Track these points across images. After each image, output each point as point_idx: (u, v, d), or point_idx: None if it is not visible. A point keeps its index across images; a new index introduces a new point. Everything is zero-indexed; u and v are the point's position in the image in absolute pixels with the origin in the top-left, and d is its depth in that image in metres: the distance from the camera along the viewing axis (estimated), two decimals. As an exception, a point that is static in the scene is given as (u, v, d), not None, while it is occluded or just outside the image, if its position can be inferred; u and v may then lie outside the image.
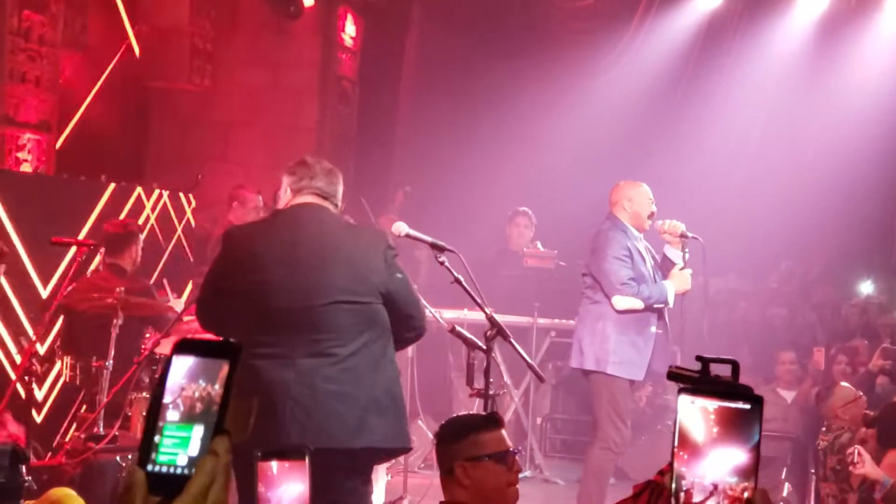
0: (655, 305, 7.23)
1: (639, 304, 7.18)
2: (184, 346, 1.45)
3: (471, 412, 4.12)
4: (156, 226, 9.79)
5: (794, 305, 12.75)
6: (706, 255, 7.37)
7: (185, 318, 6.94)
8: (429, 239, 5.23)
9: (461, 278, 5.19)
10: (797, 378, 10.10)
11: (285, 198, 4.82)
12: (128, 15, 11.01)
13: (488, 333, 5.19)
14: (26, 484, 5.47)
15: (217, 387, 1.42)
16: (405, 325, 4.77)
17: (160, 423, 1.42)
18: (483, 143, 13.06)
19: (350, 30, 12.68)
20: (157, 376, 1.48)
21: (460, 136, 13.20)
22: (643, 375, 7.30)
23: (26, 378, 6.34)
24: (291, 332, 4.54)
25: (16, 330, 7.91)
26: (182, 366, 1.43)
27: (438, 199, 12.50)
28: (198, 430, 1.41)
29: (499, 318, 5.29)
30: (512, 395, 9.54)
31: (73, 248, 6.75)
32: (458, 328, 5.40)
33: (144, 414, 1.32)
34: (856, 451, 6.27)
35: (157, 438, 1.41)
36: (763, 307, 12.83)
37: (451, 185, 12.78)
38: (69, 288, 6.84)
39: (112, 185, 9.10)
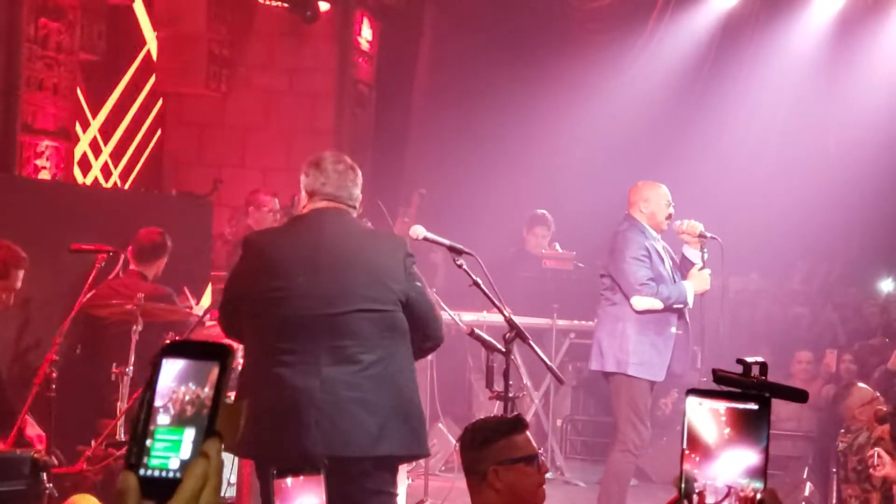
0: (675, 306, 7.21)
1: (658, 305, 7.16)
2: (173, 349, 1.44)
3: (492, 415, 4.10)
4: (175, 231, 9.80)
5: (815, 305, 12.71)
6: (725, 254, 7.34)
7: (207, 323, 6.96)
8: (447, 242, 5.22)
9: (479, 281, 5.18)
10: (812, 377, 10.08)
11: (303, 200, 4.81)
12: (145, 21, 11.05)
13: (507, 336, 5.18)
14: (47, 491, 5.49)
15: (207, 389, 1.41)
16: (423, 333, 4.74)
17: (151, 427, 1.42)
18: (500, 145, 13.05)
19: (366, 34, 12.69)
20: (148, 379, 1.46)
21: (477, 138, 13.18)
22: (663, 376, 7.26)
23: (47, 384, 6.36)
24: (313, 340, 4.52)
25: (37, 336, 7.93)
26: (172, 369, 1.42)
27: (455, 202, 12.48)
28: (189, 433, 1.41)
29: (518, 320, 5.28)
30: (532, 397, 9.53)
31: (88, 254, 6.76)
32: (477, 331, 5.40)
33: (134, 417, 1.31)
34: (875, 454, 6.23)
35: (148, 442, 1.41)
36: (784, 307, 12.79)
37: (467, 187, 12.76)
38: (89, 294, 6.85)
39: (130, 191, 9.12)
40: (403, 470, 7.24)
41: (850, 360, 9.78)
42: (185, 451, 1.40)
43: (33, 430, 6.27)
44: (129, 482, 1.40)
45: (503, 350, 5.19)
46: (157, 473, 1.40)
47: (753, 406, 1.47)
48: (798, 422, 9.42)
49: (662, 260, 7.31)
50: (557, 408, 9.93)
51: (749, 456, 1.45)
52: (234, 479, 6.93)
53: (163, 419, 1.41)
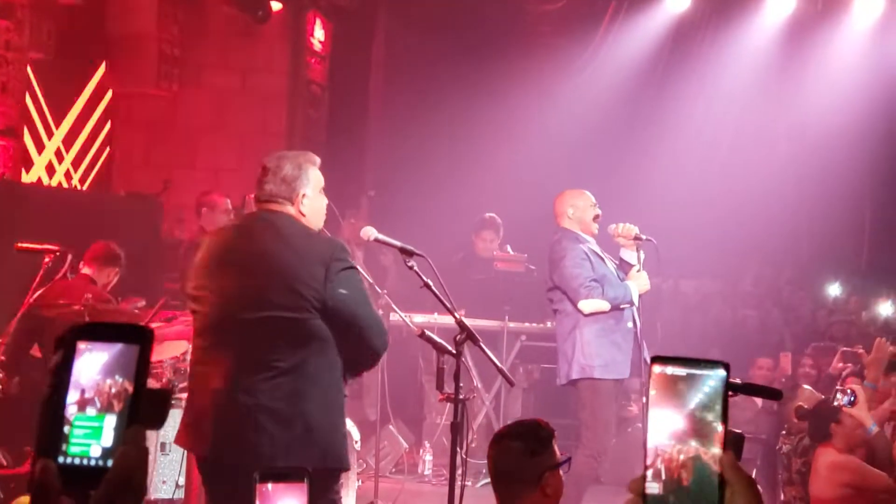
0: (622, 305, 7.25)
1: (605, 306, 7.19)
2: (86, 332, 1.38)
3: (519, 421, 4.01)
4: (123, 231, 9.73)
5: (764, 308, 12.80)
6: (671, 257, 7.39)
7: (153, 325, 6.91)
8: (398, 243, 5.19)
9: (430, 283, 5.16)
10: (769, 382, 10.15)
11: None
12: (95, 20, 10.96)
13: (458, 338, 5.15)
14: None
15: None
16: (352, 343, 4.49)
17: (68, 414, 1.35)
18: (452, 147, 13.06)
19: (319, 34, 12.65)
20: (56, 361, 1.41)
21: (430, 139, 13.18)
22: (629, 372, 7.28)
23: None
24: (227, 344, 4.42)
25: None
26: (97, 360, 1.36)
27: (408, 203, 12.47)
28: (110, 420, 1.35)
29: (469, 322, 5.27)
30: (483, 399, 9.52)
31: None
32: (427, 333, 5.38)
33: (45, 402, 1.24)
34: (855, 390, 6.25)
35: (66, 429, 1.35)
36: (735, 309, 12.88)
37: (420, 188, 12.76)
38: (36, 294, 6.78)
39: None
40: (354, 472, 7.22)
41: (810, 364, 9.83)
42: (107, 439, 1.35)
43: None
44: (48, 470, 1.34)
45: (454, 352, 5.17)
46: (77, 462, 1.34)
47: (680, 371, 1.45)
48: (755, 425, 9.49)
49: (603, 260, 7.34)
50: (508, 410, 9.91)
51: (674, 419, 1.45)
52: (182, 481, 6.90)
53: (89, 412, 1.35)
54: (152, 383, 7.35)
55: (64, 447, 1.35)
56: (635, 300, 7.28)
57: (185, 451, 6.78)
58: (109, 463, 1.34)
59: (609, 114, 12.98)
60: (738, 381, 3.64)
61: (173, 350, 7.53)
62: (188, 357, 7.61)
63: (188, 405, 4.65)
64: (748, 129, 13.58)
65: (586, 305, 7.20)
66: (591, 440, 7.20)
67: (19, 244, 6.76)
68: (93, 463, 1.34)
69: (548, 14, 13.28)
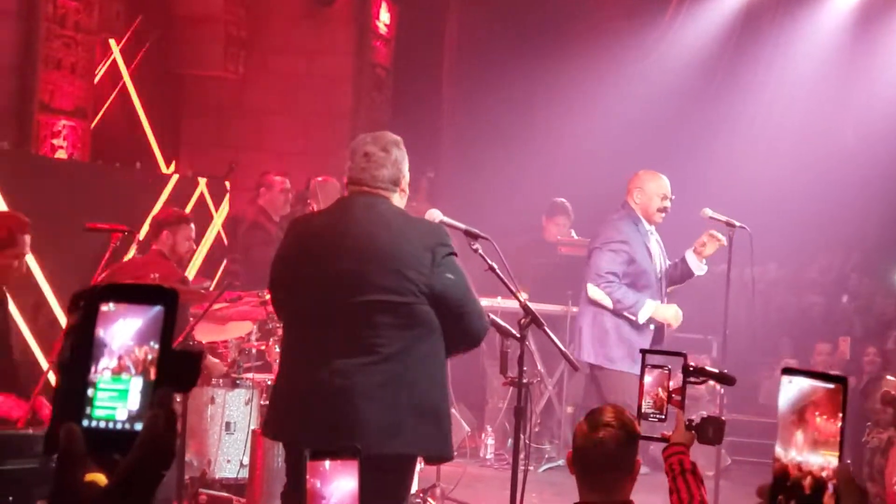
0: (623, 312, 7.14)
1: (607, 302, 7.11)
2: (112, 292, 1.34)
3: (605, 406, 3.99)
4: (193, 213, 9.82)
5: (830, 295, 12.65)
6: (743, 244, 7.30)
7: (218, 306, 6.95)
8: (462, 226, 5.17)
9: (495, 266, 5.14)
10: (828, 368, 10.04)
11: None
12: (163, 2, 11.04)
13: (522, 321, 5.14)
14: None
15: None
16: (457, 329, 4.48)
17: (92, 377, 1.31)
18: (520, 130, 13.02)
19: (384, 17, 12.65)
20: (76, 322, 1.32)
21: (497, 122, 13.15)
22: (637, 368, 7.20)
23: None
24: (328, 330, 4.38)
25: (52, 315, 7.95)
26: (130, 326, 1.31)
27: (474, 186, 12.46)
28: (136, 382, 1.31)
29: (532, 306, 5.25)
30: (546, 383, 9.50)
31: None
32: (492, 316, 5.36)
33: (66, 363, 1.19)
34: None
35: (90, 392, 1.31)
36: (800, 296, 12.73)
37: (486, 171, 12.73)
38: (103, 274, 6.84)
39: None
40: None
41: (874, 352, 9.68)
42: (133, 402, 1.31)
43: (47, 409, 6.27)
44: (73, 434, 1.30)
45: (518, 336, 5.16)
46: (103, 425, 1.31)
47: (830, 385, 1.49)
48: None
49: (651, 255, 7.23)
50: (571, 394, 9.89)
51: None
52: (246, 461, 6.94)
53: (125, 377, 1.31)
54: (218, 363, 7.41)
55: (88, 410, 1.31)
56: (641, 318, 7.16)
57: (250, 431, 6.84)
58: (136, 426, 1.30)
59: (676, 99, 12.87)
60: (692, 365, 3.76)
61: (238, 330, 7.58)
62: (253, 337, 7.66)
63: (278, 393, 4.63)
64: (815, 115, 13.39)
65: (593, 291, 7.16)
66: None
67: (89, 224, 6.81)
68: (119, 427, 1.31)
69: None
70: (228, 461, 7.10)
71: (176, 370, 1.32)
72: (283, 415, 4.55)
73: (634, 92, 12.74)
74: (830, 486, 1.44)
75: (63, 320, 7.60)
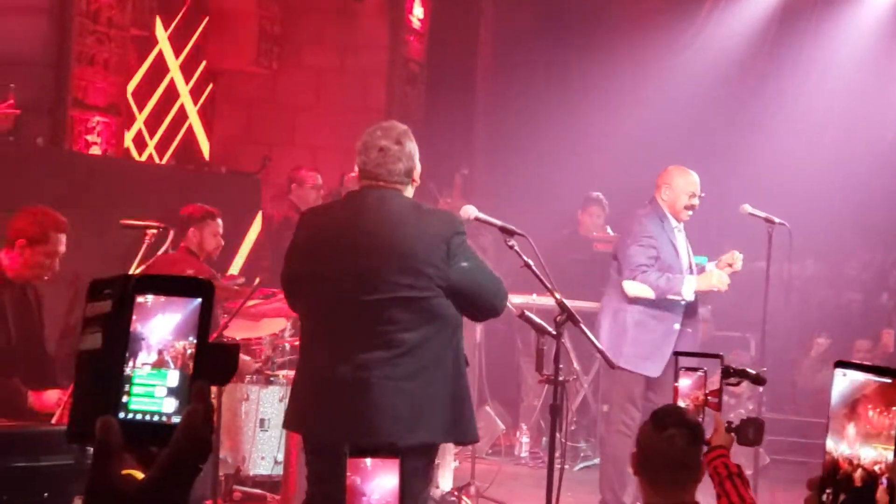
0: (669, 297, 6.98)
1: (649, 293, 6.94)
2: (145, 284, 1.33)
3: (669, 406, 3.92)
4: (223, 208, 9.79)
5: (869, 292, 12.52)
6: (781, 240, 7.22)
7: (250, 302, 6.92)
8: (498, 223, 5.13)
9: (531, 263, 5.08)
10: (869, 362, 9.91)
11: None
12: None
13: (558, 319, 5.09)
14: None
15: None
16: (475, 306, 4.53)
17: (129, 370, 1.31)
18: (554, 125, 12.93)
19: (418, 12, 12.61)
20: (106, 312, 1.31)
21: (531, 117, 13.09)
22: (659, 373, 7.02)
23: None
24: (349, 324, 4.38)
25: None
26: (169, 321, 1.31)
27: (508, 182, 12.40)
28: (175, 376, 1.31)
29: (568, 303, 5.19)
30: (581, 381, 9.44)
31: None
32: (527, 313, 5.31)
33: (101, 356, 1.18)
34: None
35: (126, 385, 1.31)
36: (838, 293, 12.61)
37: (521, 167, 12.68)
38: (138, 270, 6.82)
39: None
40: (451, 452, 7.18)
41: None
42: (172, 395, 1.31)
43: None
44: (110, 427, 1.29)
45: (554, 333, 5.10)
46: (140, 418, 1.30)
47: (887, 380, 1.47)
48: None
49: (677, 251, 7.11)
50: (606, 392, 9.82)
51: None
52: (280, 458, 6.92)
53: (163, 371, 1.31)
54: (249, 360, 7.38)
55: (125, 403, 1.31)
56: (686, 295, 6.99)
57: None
58: (174, 420, 1.30)
59: (713, 94, 12.78)
60: (732, 367, 3.70)
61: (272, 327, 7.55)
62: (287, 334, 7.63)
63: (298, 390, 4.63)
64: (855, 111, 13.25)
65: (630, 287, 7.02)
66: (616, 416, 7.22)
67: (124, 221, 6.79)
68: (156, 419, 1.31)
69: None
70: (262, 458, 7.08)
71: (213, 364, 1.32)
72: (303, 408, 4.54)
73: (672, 86, 12.65)
74: (884, 480, 1.41)
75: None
